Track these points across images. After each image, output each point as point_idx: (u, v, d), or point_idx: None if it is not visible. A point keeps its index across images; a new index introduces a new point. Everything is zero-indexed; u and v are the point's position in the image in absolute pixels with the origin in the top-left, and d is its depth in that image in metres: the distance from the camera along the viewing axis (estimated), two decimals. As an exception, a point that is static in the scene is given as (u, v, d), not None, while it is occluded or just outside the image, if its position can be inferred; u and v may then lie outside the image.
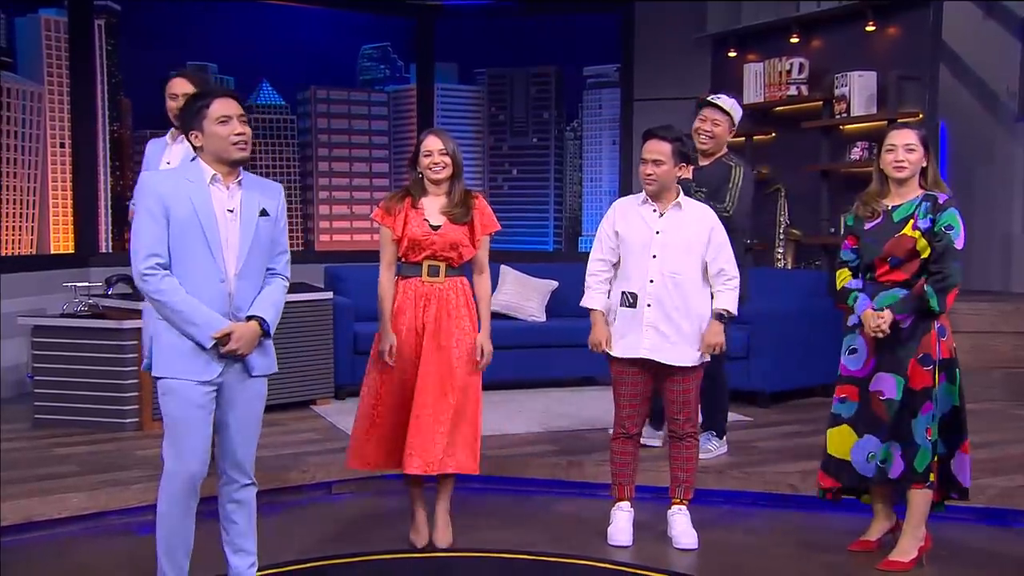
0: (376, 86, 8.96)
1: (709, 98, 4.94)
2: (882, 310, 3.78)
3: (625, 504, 4.22)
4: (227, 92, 3.32)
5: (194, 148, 3.24)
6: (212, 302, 3.17)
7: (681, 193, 4.13)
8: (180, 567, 3.28)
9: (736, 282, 4.08)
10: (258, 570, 3.56)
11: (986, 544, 4.16)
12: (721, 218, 4.20)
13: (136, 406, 5.58)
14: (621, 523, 4.18)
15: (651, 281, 4.03)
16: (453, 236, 3.97)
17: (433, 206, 3.99)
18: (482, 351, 4.02)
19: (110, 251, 7.31)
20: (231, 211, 3.22)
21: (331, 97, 8.71)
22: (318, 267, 7.34)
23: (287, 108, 8.54)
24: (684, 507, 4.19)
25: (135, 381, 5.55)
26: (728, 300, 4.06)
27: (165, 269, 3.14)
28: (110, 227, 7.39)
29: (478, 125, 9.15)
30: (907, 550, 3.87)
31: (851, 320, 3.95)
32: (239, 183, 3.25)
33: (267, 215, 3.28)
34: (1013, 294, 7.85)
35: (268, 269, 3.33)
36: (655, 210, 4.08)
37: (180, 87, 4.47)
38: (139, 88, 7.77)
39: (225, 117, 3.18)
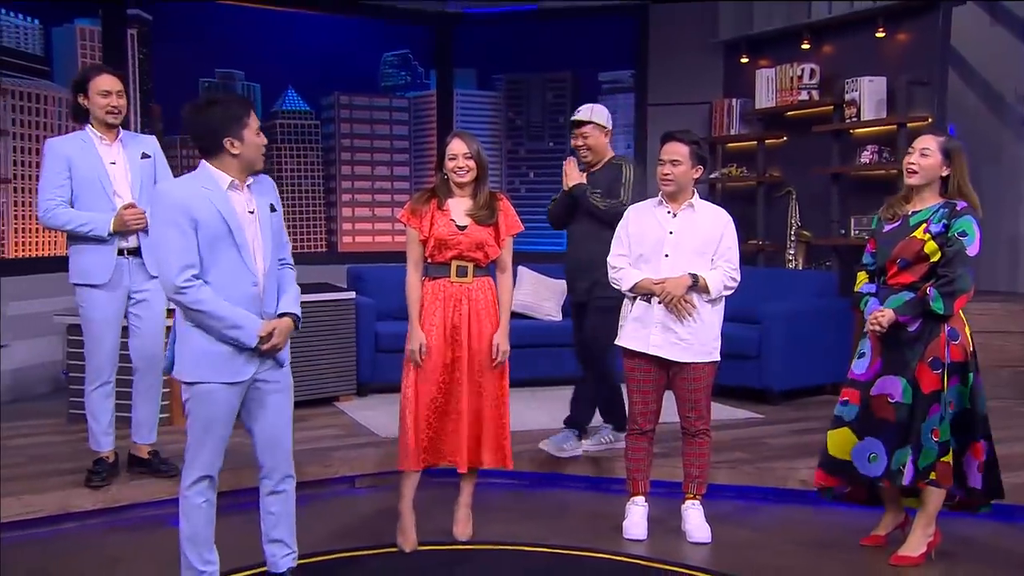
0: (397, 92, 8.99)
1: (572, 118, 4.89)
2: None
3: (640, 499, 4.22)
4: (251, 102, 3.34)
5: (230, 155, 3.17)
6: (245, 304, 3.17)
7: (696, 194, 4.12)
8: (205, 559, 3.29)
9: (733, 276, 4.05)
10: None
11: (993, 539, 4.14)
12: (619, 212, 4.35)
13: (167, 402, 5.62)
14: (636, 517, 4.19)
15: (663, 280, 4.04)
16: (479, 236, 3.97)
17: (459, 207, 3.99)
18: (498, 349, 4.01)
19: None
20: (251, 212, 3.22)
21: (354, 103, 8.74)
22: (341, 268, 7.38)
23: (312, 114, 8.57)
24: (698, 502, 4.19)
25: (165, 378, 5.58)
26: (714, 276, 4.01)
27: (198, 279, 3.12)
28: (141, 229, 7.44)
29: (496, 129, 9.16)
30: (916, 545, 3.86)
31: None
32: (249, 186, 3.25)
33: (275, 210, 3.30)
34: (1021, 294, 7.78)
35: (280, 260, 3.34)
36: (669, 211, 4.09)
37: (112, 84, 4.25)
38: (169, 94, 7.82)
39: (259, 128, 3.23)
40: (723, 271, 4.03)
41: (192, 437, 3.23)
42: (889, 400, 3.79)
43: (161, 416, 4.85)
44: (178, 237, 3.09)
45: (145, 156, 4.39)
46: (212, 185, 3.16)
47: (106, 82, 4.23)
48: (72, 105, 4.36)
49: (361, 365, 6.41)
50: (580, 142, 4.81)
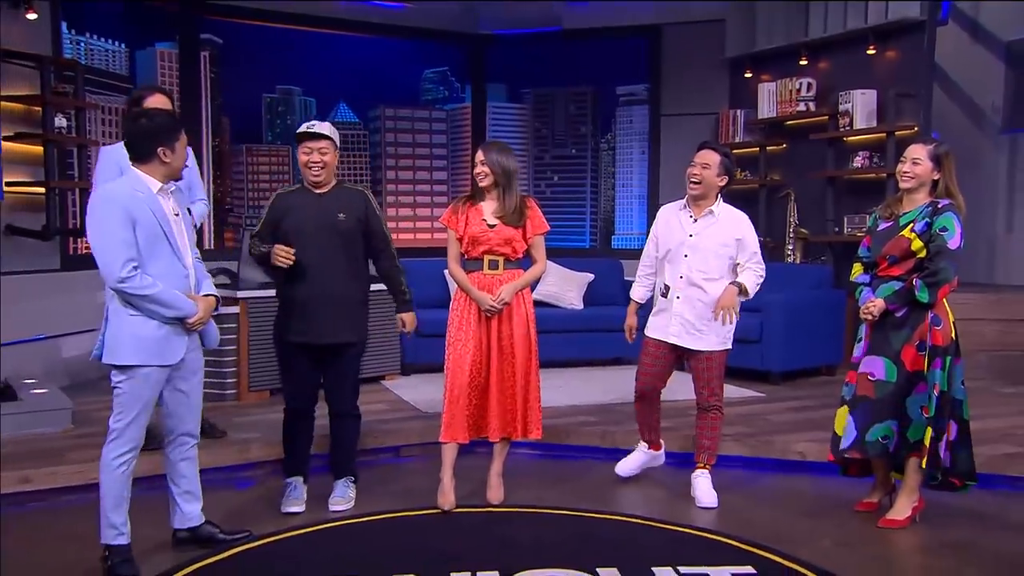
0: (436, 105, 9.01)
1: (311, 130, 3.85)
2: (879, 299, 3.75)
3: (643, 445, 4.42)
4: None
5: (161, 163, 3.21)
6: (181, 291, 3.25)
7: (719, 201, 4.09)
8: (123, 520, 3.26)
9: (761, 272, 4.05)
10: (340, 521, 3.62)
11: (972, 505, 4.09)
12: (389, 244, 4.06)
13: (235, 380, 5.69)
14: (632, 457, 4.45)
15: (680, 277, 4.07)
16: (507, 233, 3.98)
17: (489, 209, 4.01)
18: (499, 295, 3.94)
19: (212, 247, 7.44)
20: (177, 215, 3.28)
21: (398, 115, 8.78)
22: (387, 261, 7.40)
23: (360, 124, 8.61)
24: (707, 471, 4.19)
25: (234, 358, 5.65)
26: (748, 278, 4.02)
27: (138, 270, 3.13)
28: (212, 227, 7.52)
29: (524, 138, 9.16)
30: (902, 510, 3.84)
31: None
32: (170, 192, 3.30)
33: (188, 214, 3.41)
34: (997, 285, 7.72)
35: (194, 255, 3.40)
36: (691, 216, 4.09)
37: (162, 102, 4.15)
38: (236, 108, 7.91)
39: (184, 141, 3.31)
40: (753, 272, 4.04)
41: (124, 417, 3.20)
42: (870, 378, 3.76)
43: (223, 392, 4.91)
44: (120, 233, 3.10)
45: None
46: (144, 189, 3.19)
47: (157, 100, 4.18)
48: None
49: (405, 348, 6.44)
50: (317, 158, 3.84)
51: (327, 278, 3.86)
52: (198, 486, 3.51)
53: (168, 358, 3.23)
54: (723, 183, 4.06)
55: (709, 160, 4.01)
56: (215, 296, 3.39)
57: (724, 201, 4.16)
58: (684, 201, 4.13)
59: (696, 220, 4.08)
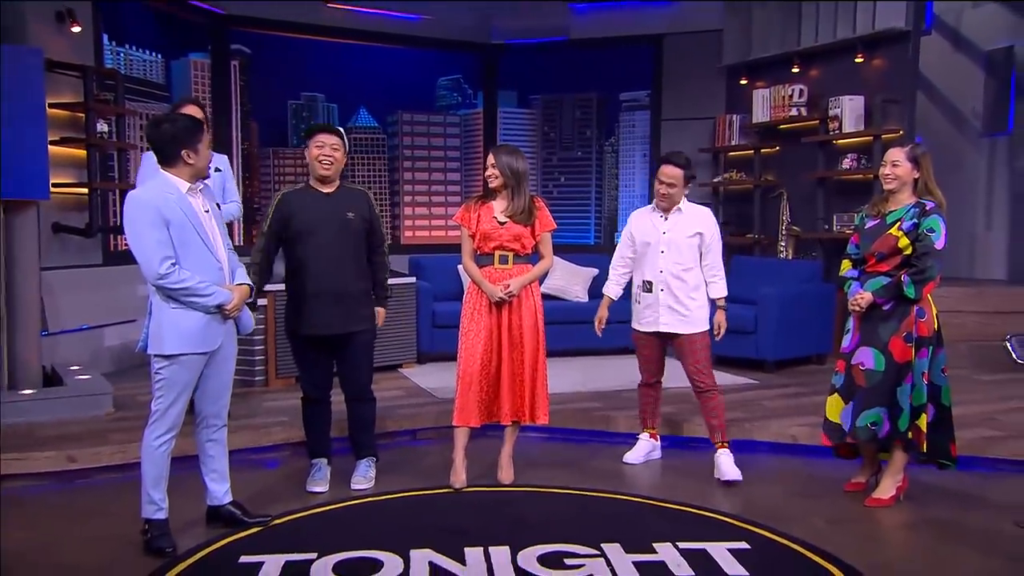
0: (450, 110, 9.01)
1: (325, 123, 3.88)
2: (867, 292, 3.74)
3: (645, 435, 4.49)
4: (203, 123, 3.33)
5: (186, 164, 3.20)
6: (216, 282, 3.24)
7: (684, 200, 4.21)
8: (163, 496, 3.31)
9: (722, 276, 4.23)
10: (361, 499, 3.64)
11: (953, 485, 4.09)
12: (383, 244, 4.01)
13: (263, 366, 5.71)
14: (638, 447, 4.47)
15: (660, 271, 4.19)
16: (516, 230, 3.99)
17: (499, 207, 4.02)
18: (507, 286, 3.95)
19: (241, 244, 7.47)
20: (207, 211, 3.27)
21: (414, 120, 8.79)
22: (404, 257, 7.43)
23: (379, 129, 8.62)
24: (726, 449, 4.22)
25: (263, 347, 5.68)
26: (720, 289, 4.21)
27: (175, 266, 3.14)
28: (241, 226, 7.56)
29: (533, 141, 9.16)
30: (887, 489, 3.85)
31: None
32: (200, 190, 3.29)
33: (218, 208, 3.40)
34: (977, 280, 7.69)
35: (227, 247, 3.38)
36: (662, 215, 4.22)
37: (196, 112, 4.21)
38: (264, 114, 7.94)
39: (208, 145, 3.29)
40: (717, 285, 4.20)
41: (165, 400, 3.23)
42: (861, 367, 3.77)
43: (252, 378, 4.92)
44: (155, 234, 3.11)
45: (217, 170, 4.53)
46: (173, 190, 3.18)
47: (189, 110, 4.20)
48: None
49: (421, 338, 6.46)
50: (328, 152, 3.83)
51: (337, 274, 3.84)
52: (225, 467, 3.51)
53: (208, 345, 3.25)
54: (687, 191, 4.20)
55: (674, 177, 4.12)
56: (249, 284, 3.40)
57: (711, 200, 4.20)
58: (653, 204, 4.26)
59: (666, 219, 4.21)
